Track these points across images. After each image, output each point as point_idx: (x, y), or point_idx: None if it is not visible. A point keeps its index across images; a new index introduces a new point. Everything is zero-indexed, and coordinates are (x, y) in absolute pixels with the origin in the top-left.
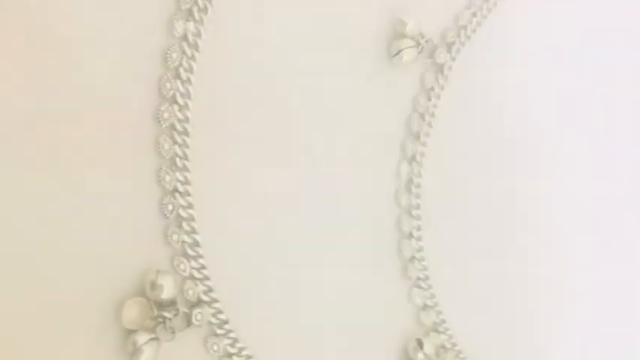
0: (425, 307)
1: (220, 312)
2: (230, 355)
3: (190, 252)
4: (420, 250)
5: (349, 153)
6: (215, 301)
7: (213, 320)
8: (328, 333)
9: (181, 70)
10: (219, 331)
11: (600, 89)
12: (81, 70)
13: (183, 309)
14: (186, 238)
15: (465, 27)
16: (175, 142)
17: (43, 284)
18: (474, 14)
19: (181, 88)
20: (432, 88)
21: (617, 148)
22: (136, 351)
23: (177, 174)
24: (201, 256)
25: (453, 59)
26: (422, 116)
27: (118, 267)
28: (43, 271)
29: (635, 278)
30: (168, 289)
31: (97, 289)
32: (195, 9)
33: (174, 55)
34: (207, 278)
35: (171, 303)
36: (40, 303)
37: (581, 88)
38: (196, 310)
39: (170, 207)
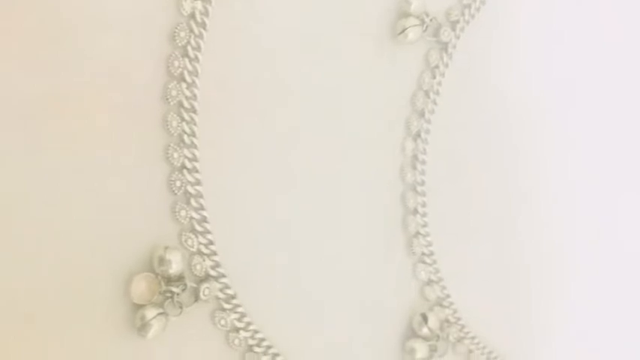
0: (429, 282)
1: (227, 287)
2: (237, 329)
3: (198, 228)
4: (424, 225)
5: (355, 130)
6: (222, 276)
7: (221, 295)
8: (334, 307)
9: (189, 48)
10: (226, 306)
11: (603, 70)
12: (90, 50)
13: (191, 284)
14: (193, 214)
15: (469, 6)
16: (183, 120)
17: (53, 260)
18: None
19: (189, 66)
20: (437, 66)
21: (619, 127)
22: (145, 325)
23: (185, 151)
24: (208, 232)
25: (457, 38)
26: (426, 94)
27: (126, 243)
28: (53, 248)
29: (636, 254)
30: (176, 265)
31: (106, 265)
32: None
33: (182, 34)
34: (214, 253)
35: (179, 278)
36: (49, 278)
37: (583, 68)
38: (204, 285)
39: (178, 183)
